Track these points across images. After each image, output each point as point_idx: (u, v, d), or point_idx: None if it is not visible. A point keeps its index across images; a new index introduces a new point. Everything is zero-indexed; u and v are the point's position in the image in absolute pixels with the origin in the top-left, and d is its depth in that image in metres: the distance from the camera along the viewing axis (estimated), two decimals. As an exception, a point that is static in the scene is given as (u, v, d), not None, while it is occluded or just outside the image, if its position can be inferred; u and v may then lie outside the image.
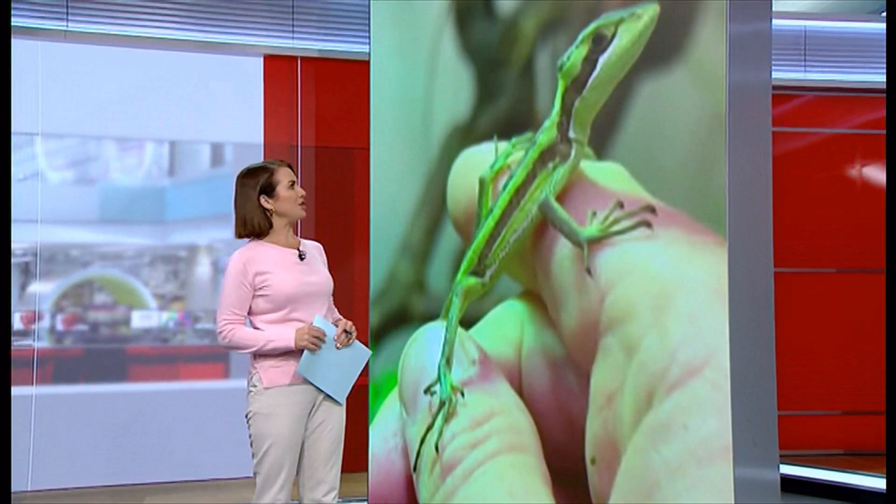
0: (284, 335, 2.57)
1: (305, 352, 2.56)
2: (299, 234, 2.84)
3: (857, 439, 5.14)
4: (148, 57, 4.56)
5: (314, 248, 2.77)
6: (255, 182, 2.64)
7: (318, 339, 2.56)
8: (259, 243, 2.65)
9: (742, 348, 2.36)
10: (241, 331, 2.58)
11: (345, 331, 2.63)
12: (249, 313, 2.61)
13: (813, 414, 5.17)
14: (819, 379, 5.17)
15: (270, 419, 2.56)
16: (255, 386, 2.60)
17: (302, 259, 2.67)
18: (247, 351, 2.59)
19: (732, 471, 2.31)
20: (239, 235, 2.68)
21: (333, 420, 2.67)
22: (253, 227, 2.64)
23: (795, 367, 5.01)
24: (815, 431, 5.15)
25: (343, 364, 2.63)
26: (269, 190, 2.63)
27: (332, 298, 2.77)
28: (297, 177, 2.73)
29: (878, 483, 4.19)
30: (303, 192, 2.69)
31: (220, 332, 2.59)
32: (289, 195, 2.65)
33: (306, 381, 2.60)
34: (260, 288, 2.58)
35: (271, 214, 2.64)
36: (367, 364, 2.75)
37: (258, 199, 2.63)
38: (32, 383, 4.33)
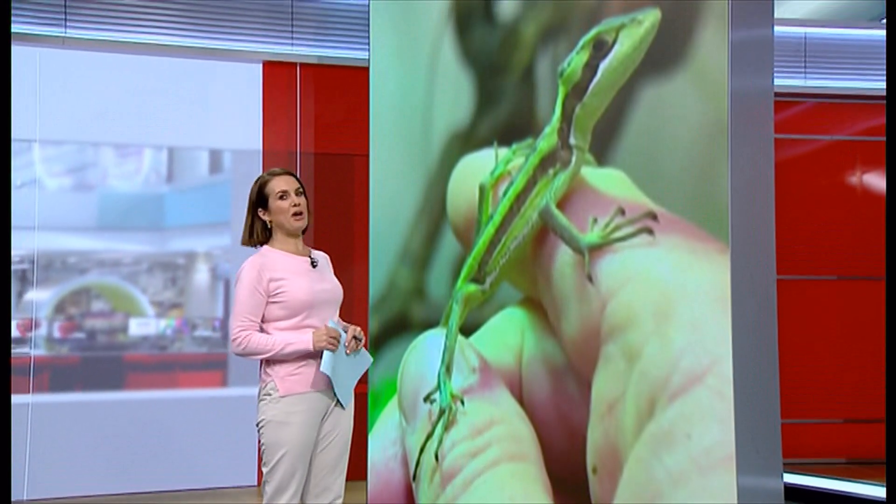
0: (302, 338, 2.57)
1: (326, 352, 2.56)
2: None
3: (858, 448, 5.12)
4: (146, 63, 4.55)
5: (323, 258, 2.77)
6: (253, 192, 2.67)
7: (335, 340, 2.56)
8: (271, 250, 2.66)
9: (745, 356, 2.34)
10: (256, 336, 2.56)
11: (354, 336, 2.63)
12: (262, 320, 2.61)
13: (814, 422, 5.15)
14: (820, 387, 5.16)
15: (285, 427, 2.56)
16: (269, 394, 2.58)
17: (314, 266, 2.67)
18: (264, 356, 2.57)
19: (736, 480, 2.28)
20: (243, 243, 2.70)
21: (342, 428, 2.67)
22: (255, 236, 2.67)
23: (796, 375, 4.99)
24: (817, 440, 5.13)
25: (350, 369, 2.65)
26: (262, 201, 2.65)
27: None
28: (300, 185, 2.70)
29: (880, 492, 4.17)
30: (295, 202, 2.64)
31: (235, 339, 2.56)
32: (278, 206, 2.63)
33: (320, 389, 2.60)
34: (274, 294, 2.58)
35: (270, 225, 2.66)
36: (366, 371, 2.76)
37: (255, 210, 2.66)
38: (29, 391, 4.31)
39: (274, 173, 2.68)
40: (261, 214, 2.65)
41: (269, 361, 2.60)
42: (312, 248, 2.83)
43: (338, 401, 2.64)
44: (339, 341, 2.58)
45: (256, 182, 2.68)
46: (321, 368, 2.56)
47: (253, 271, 2.57)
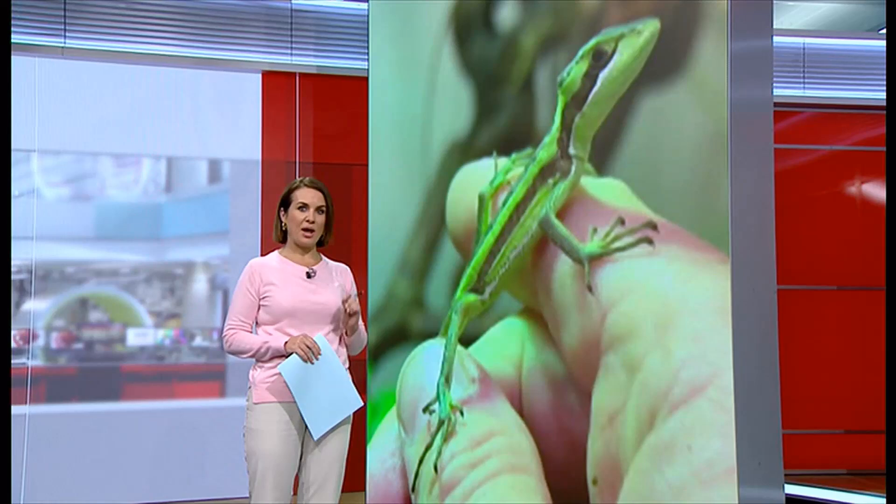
0: (279, 338, 2.61)
1: (294, 355, 2.55)
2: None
3: (859, 458, 5.10)
4: (146, 73, 4.56)
5: (336, 271, 2.79)
6: (282, 194, 2.74)
7: (310, 350, 2.54)
8: (275, 255, 2.73)
9: (746, 367, 2.33)
10: (241, 335, 2.63)
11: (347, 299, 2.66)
12: (256, 323, 2.69)
13: (815, 433, 5.13)
14: (821, 397, 5.14)
15: (257, 436, 2.58)
16: (248, 401, 2.64)
17: (309, 277, 2.66)
18: (246, 354, 2.63)
19: (737, 492, 2.27)
20: (275, 239, 2.78)
21: (335, 440, 2.65)
22: (276, 235, 2.76)
23: (796, 386, 4.98)
24: (818, 451, 5.11)
25: (331, 400, 2.61)
26: (285, 205, 2.71)
27: (356, 324, 2.78)
28: (325, 204, 2.72)
29: (880, 503, 4.16)
30: (310, 218, 2.68)
31: (224, 337, 2.66)
32: (293, 216, 2.70)
33: (295, 401, 2.58)
34: (263, 298, 2.64)
35: (285, 228, 2.73)
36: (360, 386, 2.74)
37: (279, 211, 2.73)
38: (26, 402, 4.30)
39: (304, 183, 2.72)
40: (281, 216, 2.72)
41: (253, 367, 2.66)
42: (341, 263, 2.85)
43: (304, 420, 2.60)
44: (315, 355, 2.56)
45: (289, 185, 2.75)
46: (278, 367, 2.56)
47: (247, 273, 2.67)
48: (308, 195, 2.69)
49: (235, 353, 2.64)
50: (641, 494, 2.36)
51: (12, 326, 4.35)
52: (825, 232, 5.25)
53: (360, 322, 2.77)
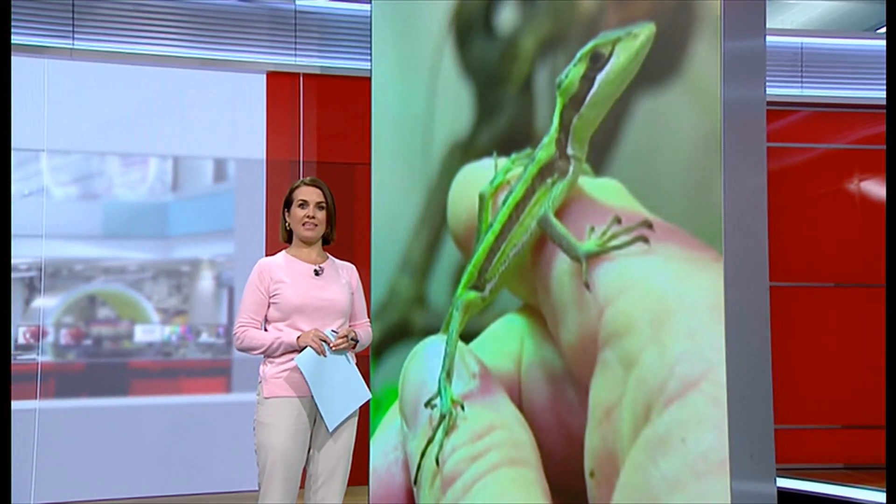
0: (291, 333, 2.67)
1: (308, 349, 2.61)
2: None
3: (857, 453, 5.13)
4: (152, 74, 4.60)
5: (342, 269, 2.85)
6: (285, 195, 2.83)
7: (323, 343, 2.62)
8: (282, 254, 2.80)
9: (738, 363, 2.37)
10: (252, 332, 2.69)
11: (345, 335, 2.69)
12: (266, 321, 2.74)
13: (813, 428, 5.17)
14: (819, 393, 5.17)
15: (268, 429, 2.62)
16: (258, 395, 2.69)
17: (317, 274, 2.72)
18: (258, 351, 2.68)
19: (730, 485, 2.31)
20: (281, 239, 2.87)
21: (343, 433, 2.71)
22: (282, 235, 2.84)
23: (795, 381, 5.02)
24: (815, 445, 5.14)
25: (343, 394, 2.67)
26: (288, 205, 2.80)
27: (361, 321, 2.86)
28: (325, 200, 2.80)
29: (878, 497, 4.18)
30: (310, 214, 2.76)
31: (235, 334, 2.71)
32: (294, 213, 2.78)
33: (306, 396, 2.63)
34: (273, 296, 2.70)
35: (289, 227, 2.81)
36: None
37: (283, 212, 2.81)
38: (36, 397, 4.35)
39: (305, 182, 2.81)
40: (285, 216, 2.81)
41: (263, 363, 2.71)
42: (346, 261, 2.90)
43: (319, 411, 2.65)
44: (328, 346, 2.63)
45: (291, 185, 2.83)
46: (295, 360, 2.61)
47: (256, 272, 2.74)
48: (307, 192, 2.77)
49: (247, 349, 2.69)
50: (637, 486, 2.40)
51: (23, 323, 4.41)
52: (824, 230, 5.27)
53: (359, 329, 2.83)
